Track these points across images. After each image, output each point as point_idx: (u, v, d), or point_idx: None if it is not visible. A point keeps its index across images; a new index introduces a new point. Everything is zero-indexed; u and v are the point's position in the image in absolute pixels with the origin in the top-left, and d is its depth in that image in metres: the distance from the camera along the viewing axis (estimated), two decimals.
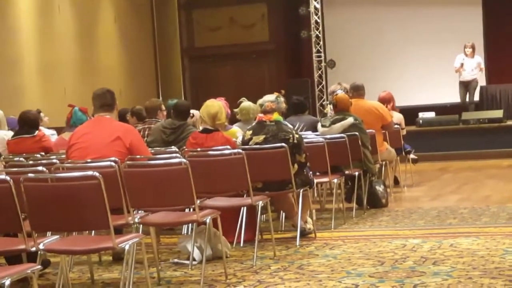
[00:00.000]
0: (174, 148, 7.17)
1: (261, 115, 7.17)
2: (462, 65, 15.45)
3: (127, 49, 16.74)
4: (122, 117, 9.62)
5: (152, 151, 6.75)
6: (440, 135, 15.28)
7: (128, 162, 5.67)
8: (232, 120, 8.93)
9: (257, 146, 6.91)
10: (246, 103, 8.64)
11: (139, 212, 5.73)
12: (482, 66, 15.75)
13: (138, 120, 9.66)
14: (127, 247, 4.76)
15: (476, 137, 15.04)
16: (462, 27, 17.64)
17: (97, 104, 6.31)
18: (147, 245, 5.42)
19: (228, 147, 6.60)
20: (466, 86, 15.82)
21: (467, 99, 15.94)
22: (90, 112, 7.75)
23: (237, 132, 8.23)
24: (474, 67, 15.60)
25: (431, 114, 16.29)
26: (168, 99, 10.60)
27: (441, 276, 5.33)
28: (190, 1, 19.34)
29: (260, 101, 7.25)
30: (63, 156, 6.58)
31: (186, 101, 11.56)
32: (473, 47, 15.54)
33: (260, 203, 6.36)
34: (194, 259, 6.13)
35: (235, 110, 8.68)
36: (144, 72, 17.61)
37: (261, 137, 6.98)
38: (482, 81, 17.21)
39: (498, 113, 15.56)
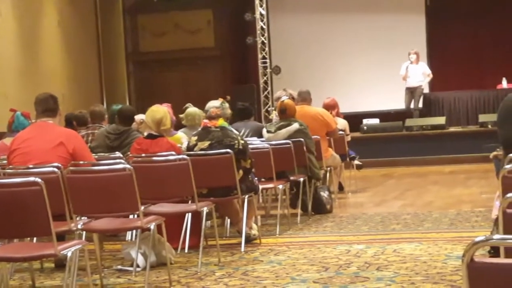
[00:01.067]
0: (118, 154, 7.11)
1: (206, 121, 7.15)
2: (407, 71, 15.66)
3: (70, 53, 16.54)
4: (68, 122, 9.48)
5: (96, 156, 6.67)
6: (384, 142, 15.44)
7: (71, 168, 5.60)
8: (177, 126, 8.88)
9: (202, 152, 6.88)
10: (191, 109, 8.61)
11: (82, 218, 5.66)
12: (429, 72, 15.94)
13: (79, 125, 9.45)
14: (69, 254, 4.68)
15: (420, 143, 15.23)
16: (406, 35, 17.84)
17: (39, 109, 6.22)
18: (90, 252, 5.36)
19: (173, 153, 6.57)
20: (412, 93, 16.03)
21: (412, 106, 16.14)
22: (33, 117, 7.62)
23: (182, 138, 8.19)
24: (420, 74, 15.82)
25: (375, 121, 16.45)
26: (112, 104, 10.51)
27: (385, 282, 5.37)
28: (135, 6, 19.22)
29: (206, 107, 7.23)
30: (5, 161, 6.47)
31: (130, 106, 11.47)
32: (417, 54, 15.77)
33: (205, 209, 6.34)
34: (138, 266, 6.08)
35: (181, 115, 8.64)
36: (88, 77, 17.42)
37: (206, 143, 6.96)
38: (425, 88, 17.44)
39: (441, 120, 15.79)
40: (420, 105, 16.61)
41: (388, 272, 5.66)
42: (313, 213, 8.77)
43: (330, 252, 6.55)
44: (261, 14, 17.35)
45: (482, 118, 15.48)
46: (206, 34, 18.85)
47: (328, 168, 9.75)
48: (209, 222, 7.27)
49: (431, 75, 16.04)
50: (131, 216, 6.24)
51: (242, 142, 7.03)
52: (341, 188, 10.95)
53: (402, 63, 16.08)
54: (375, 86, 16.86)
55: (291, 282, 5.52)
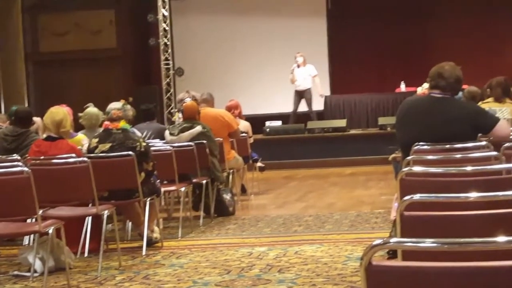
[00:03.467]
0: (16, 156, 6.94)
1: (107, 122, 7.05)
2: (294, 74, 15.82)
3: None
4: None
5: None
6: (287, 144, 15.56)
7: None
8: (77, 128, 8.72)
9: (103, 154, 6.79)
10: (90, 109, 8.42)
11: None
12: (314, 74, 16.08)
13: None
14: None
15: (321, 145, 15.41)
16: (308, 38, 18.05)
17: None
18: None
19: (73, 155, 6.45)
20: (301, 95, 16.20)
21: (307, 108, 16.30)
22: None
23: (83, 139, 8.05)
24: (307, 76, 16.00)
25: (278, 123, 16.57)
26: (11, 105, 10.25)
27: (286, 284, 5.39)
28: (34, 5, 18.80)
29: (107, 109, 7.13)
30: None
31: (27, 107, 11.22)
32: (303, 56, 15.92)
33: (106, 212, 6.25)
34: (35, 271, 5.94)
35: (79, 114, 8.44)
36: None
37: (107, 145, 6.86)
38: (326, 91, 17.68)
39: (342, 123, 16.02)
40: (321, 107, 16.82)
41: (289, 274, 5.69)
42: (215, 215, 8.76)
43: (233, 255, 6.55)
44: (164, 16, 17.28)
45: (382, 121, 15.78)
46: (108, 34, 18.61)
47: (231, 170, 9.76)
48: (110, 225, 7.17)
49: (317, 78, 16.16)
50: (29, 220, 6.11)
51: (144, 144, 6.96)
52: (243, 190, 10.98)
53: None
54: (278, 89, 16.98)
55: (193, 286, 5.49)
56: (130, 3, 18.72)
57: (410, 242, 2.13)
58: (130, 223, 7.49)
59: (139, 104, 10.46)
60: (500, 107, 7.11)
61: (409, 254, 2.47)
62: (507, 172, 3.91)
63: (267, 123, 16.32)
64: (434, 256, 2.15)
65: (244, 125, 10.93)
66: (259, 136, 14.98)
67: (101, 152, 6.83)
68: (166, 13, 17.29)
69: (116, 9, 18.65)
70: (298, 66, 15.91)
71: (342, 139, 15.53)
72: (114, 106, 7.08)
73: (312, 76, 16.06)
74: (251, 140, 11.20)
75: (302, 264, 6.02)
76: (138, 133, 8.13)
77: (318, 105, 17.17)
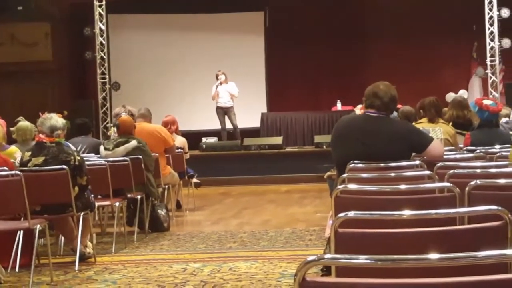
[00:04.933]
0: None
1: (41, 135, 6.95)
2: (217, 91, 15.90)
3: None
4: None
5: None
6: (223, 160, 15.55)
7: None
8: (10, 140, 8.57)
9: (36, 168, 6.68)
10: (23, 123, 8.27)
11: None
12: (234, 92, 16.13)
13: None
14: None
15: (257, 162, 15.44)
16: (246, 55, 18.15)
17: None
18: None
19: (5, 168, 6.34)
20: (225, 112, 16.27)
21: (232, 126, 16.36)
22: None
23: (15, 152, 7.91)
24: (229, 94, 16.07)
25: (214, 139, 16.57)
26: None
27: None
28: None
29: (39, 122, 7.02)
30: None
31: None
32: (225, 74, 16.01)
33: (38, 227, 6.15)
34: None
35: (12, 129, 8.30)
36: None
37: (41, 159, 6.76)
38: (263, 109, 17.77)
39: (278, 140, 16.09)
40: (257, 124, 16.88)
41: None
42: (150, 231, 8.70)
43: (166, 271, 6.50)
44: (101, 30, 17.15)
45: (318, 139, 15.91)
46: (43, 47, 18.34)
47: (166, 186, 9.71)
48: (42, 240, 7.06)
49: (236, 95, 16.19)
50: None
51: (79, 158, 6.88)
52: (179, 206, 10.93)
53: (243, 82, 16.37)
54: (214, 105, 16.97)
55: None
56: (66, 16, 18.53)
57: (343, 259, 2.15)
58: (62, 238, 7.38)
59: (75, 118, 10.35)
60: (434, 127, 7.22)
61: (343, 271, 2.49)
62: (440, 191, 3.98)
63: (204, 139, 16.31)
64: (368, 273, 2.17)
65: (180, 141, 10.90)
66: (196, 152, 14.95)
67: (34, 166, 6.72)
68: (103, 27, 17.17)
69: (52, 22, 18.41)
70: (221, 84, 15.98)
71: (278, 157, 15.60)
72: (46, 120, 6.95)
73: (232, 94, 16.10)
74: (187, 156, 11.17)
75: (236, 281, 6.01)
76: (73, 147, 8.03)
77: (254, 122, 17.24)
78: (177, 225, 9.67)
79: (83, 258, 6.92)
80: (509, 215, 2.76)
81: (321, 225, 8.32)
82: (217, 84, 16.02)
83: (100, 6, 17.05)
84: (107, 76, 17.33)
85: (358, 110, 9.26)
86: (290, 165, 15.28)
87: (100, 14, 17.07)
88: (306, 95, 18.96)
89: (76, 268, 6.65)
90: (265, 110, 18.01)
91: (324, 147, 14.99)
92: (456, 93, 11.17)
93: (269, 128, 17.22)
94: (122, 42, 18.32)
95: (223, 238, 8.29)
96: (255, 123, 17.24)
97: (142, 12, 18.57)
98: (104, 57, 17.26)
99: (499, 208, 2.82)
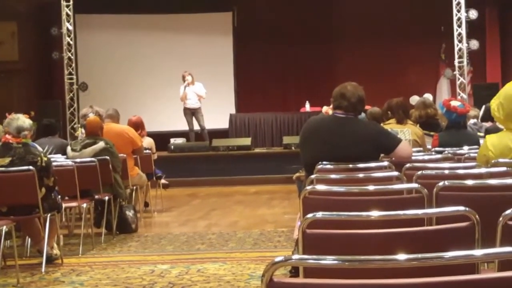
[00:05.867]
0: None
1: (8, 136, 6.87)
2: (185, 93, 15.89)
3: None
4: None
5: None
6: (191, 161, 15.52)
7: None
8: None
9: (3, 169, 6.62)
10: None
11: None
12: (201, 93, 16.12)
13: None
14: None
15: (226, 163, 15.42)
16: (214, 55, 18.13)
17: None
18: None
19: None
20: (193, 114, 16.26)
21: (199, 127, 16.34)
22: None
23: None
24: (196, 95, 16.06)
25: (182, 140, 16.52)
26: None
27: None
28: None
29: (5, 122, 6.96)
30: None
31: None
32: (191, 75, 15.99)
33: (4, 228, 6.09)
34: None
35: None
36: None
37: (7, 160, 6.69)
38: (232, 110, 17.76)
39: (247, 141, 16.08)
40: (226, 125, 16.87)
41: None
42: (117, 232, 8.66)
43: (134, 272, 6.47)
44: (68, 30, 17.02)
45: (286, 140, 15.92)
46: (10, 46, 18.16)
47: (134, 187, 9.67)
48: (8, 241, 6.99)
49: (204, 96, 16.19)
50: None
51: (46, 159, 6.82)
52: (147, 207, 10.88)
53: (211, 83, 16.34)
54: (182, 106, 16.91)
55: None
56: (33, 16, 18.37)
57: (311, 259, 2.14)
58: (29, 239, 7.32)
59: (42, 118, 10.26)
60: (402, 128, 7.25)
61: (311, 272, 2.48)
62: (408, 192, 3.99)
63: (172, 140, 16.26)
64: (336, 273, 2.16)
65: (148, 142, 10.85)
66: (164, 153, 14.90)
67: (1, 167, 6.66)
68: (71, 27, 17.04)
69: (19, 21, 18.23)
70: (188, 85, 15.96)
71: (246, 158, 15.59)
72: (13, 121, 6.89)
73: (199, 95, 16.08)
74: (155, 157, 11.12)
75: (204, 282, 5.99)
76: (39, 148, 7.95)
77: (222, 123, 17.22)
78: (145, 226, 9.63)
79: (50, 260, 6.86)
80: (477, 216, 2.78)
81: (290, 226, 8.33)
82: (185, 85, 16.00)
83: (67, 6, 16.91)
84: (74, 77, 17.20)
85: (325, 110, 9.28)
86: (259, 166, 15.28)
87: (68, 14, 16.94)
88: (274, 96, 18.99)
89: (43, 270, 6.59)
90: (233, 111, 18.00)
91: (293, 148, 15.00)
92: (421, 96, 11.26)
93: (238, 129, 17.21)
94: (89, 42, 18.21)
95: (191, 239, 8.27)
96: (224, 124, 17.22)
97: (110, 12, 18.47)
98: (72, 57, 17.13)
99: (467, 209, 2.83)
